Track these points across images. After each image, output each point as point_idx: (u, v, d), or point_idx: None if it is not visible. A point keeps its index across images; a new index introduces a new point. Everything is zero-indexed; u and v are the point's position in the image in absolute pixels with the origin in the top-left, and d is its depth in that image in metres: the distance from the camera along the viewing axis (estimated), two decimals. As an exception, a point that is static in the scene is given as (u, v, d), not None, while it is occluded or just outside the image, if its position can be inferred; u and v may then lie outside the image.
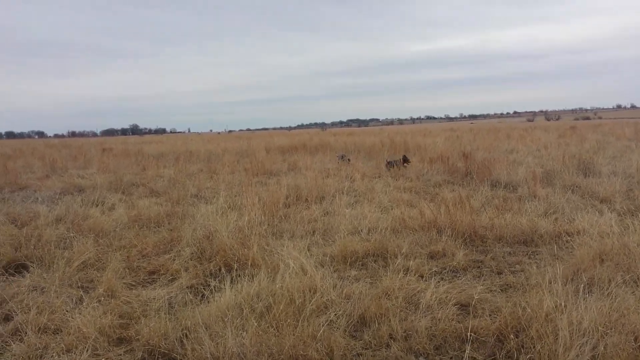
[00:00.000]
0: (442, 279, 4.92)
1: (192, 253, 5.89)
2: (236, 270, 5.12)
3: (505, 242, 6.24)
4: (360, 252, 5.78)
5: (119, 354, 3.67)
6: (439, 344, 3.69)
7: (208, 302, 4.44)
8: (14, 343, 3.80)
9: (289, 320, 3.75)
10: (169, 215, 8.19)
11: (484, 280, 4.98)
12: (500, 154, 16.16)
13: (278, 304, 4.02)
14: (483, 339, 3.70)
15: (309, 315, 3.85)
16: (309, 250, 5.89)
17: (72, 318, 4.04)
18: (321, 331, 3.62)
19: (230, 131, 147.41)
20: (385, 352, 3.60)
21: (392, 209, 8.16)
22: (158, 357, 3.61)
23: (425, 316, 4.01)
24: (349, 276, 5.13)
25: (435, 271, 5.17)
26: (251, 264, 5.32)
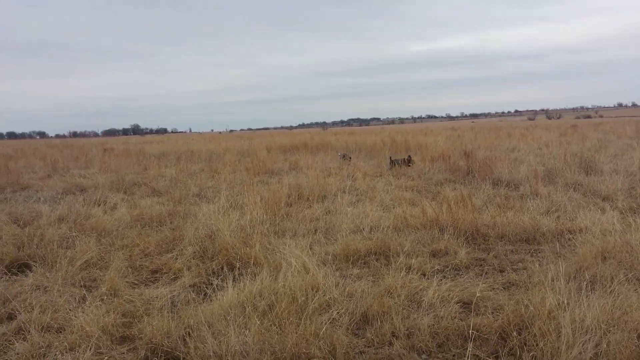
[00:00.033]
0: (444, 277, 4.92)
1: (195, 252, 5.90)
2: (238, 268, 5.13)
3: (507, 240, 6.23)
4: (362, 250, 5.79)
5: (122, 352, 3.68)
6: (442, 342, 3.69)
7: (211, 300, 4.44)
8: (17, 342, 3.81)
9: (291, 319, 3.75)
10: (171, 214, 8.20)
11: (487, 278, 4.98)
12: (501, 152, 16.14)
13: (280, 302, 4.03)
14: (486, 336, 3.70)
15: (311, 313, 3.86)
16: (311, 248, 5.90)
17: (75, 317, 4.05)
18: (324, 329, 3.63)
19: (231, 131, 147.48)
20: (388, 350, 3.60)
21: (394, 208, 8.16)
22: (161, 355, 3.61)
23: (427, 314, 4.01)
24: (351, 274, 5.13)
25: (437, 269, 5.17)
26: (253, 263, 5.33)
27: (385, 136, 27.24)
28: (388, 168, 13.77)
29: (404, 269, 4.89)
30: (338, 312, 4.03)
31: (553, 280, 4.05)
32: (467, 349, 3.40)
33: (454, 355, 3.53)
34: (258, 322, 3.71)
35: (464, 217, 6.54)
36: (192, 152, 22.63)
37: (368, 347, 3.67)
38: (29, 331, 3.90)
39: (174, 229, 7.07)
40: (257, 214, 7.32)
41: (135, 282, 5.18)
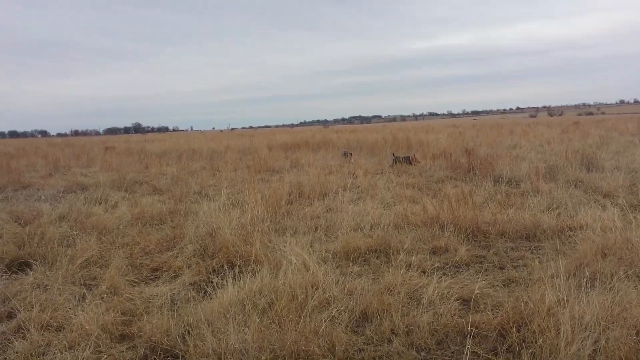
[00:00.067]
0: (444, 274, 4.91)
1: (195, 250, 5.90)
2: (239, 266, 5.13)
3: (507, 237, 6.22)
4: (362, 248, 5.78)
5: (121, 350, 3.68)
6: (441, 339, 3.69)
7: (210, 298, 4.44)
8: (16, 340, 3.81)
9: (291, 316, 3.75)
10: (172, 212, 8.21)
11: (486, 275, 4.98)
12: (503, 149, 16.12)
13: (280, 300, 4.03)
14: (485, 333, 3.69)
15: (311, 311, 3.86)
16: (311, 246, 5.90)
17: (75, 315, 4.05)
18: (323, 327, 3.63)
19: (232, 129, 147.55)
20: (387, 347, 3.60)
21: (394, 205, 8.16)
22: (160, 353, 3.61)
23: (427, 311, 4.01)
24: (351, 272, 5.13)
25: (437, 267, 5.16)
26: (254, 261, 5.33)
27: (387, 134, 27.22)
28: (390, 165, 13.77)
29: (404, 266, 4.89)
30: (338, 310, 4.03)
31: (553, 277, 4.04)
32: (466, 346, 3.40)
33: (453, 353, 3.53)
34: (258, 320, 3.71)
35: (465, 215, 6.53)
36: (194, 150, 22.65)
37: (367, 344, 3.67)
38: (29, 330, 3.90)
39: (174, 227, 7.08)
40: (258, 211, 7.31)
41: (136, 280, 5.18)
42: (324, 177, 10.77)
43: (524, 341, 3.42)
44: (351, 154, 16.15)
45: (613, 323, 3.38)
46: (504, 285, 4.67)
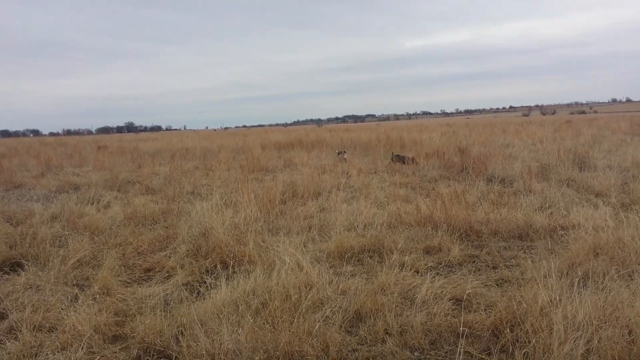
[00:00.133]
0: (437, 274, 4.92)
1: (188, 250, 5.88)
2: (232, 266, 5.12)
3: (500, 236, 6.25)
4: (356, 247, 5.78)
5: (114, 351, 3.66)
6: (434, 339, 3.70)
7: (204, 299, 4.43)
8: (8, 341, 3.79)
9: (284, 317, 3.75)
10: (165, 212, 8.18)
11: (480, 275, 4.99)
12: (496, 148, 16.17)
13: (274, 300, 4.03)
14: (478, 333, 3.70)
15: (304, 311, 3.85)
16: (305, 246, 5.90)
17: (67, 316, 4.02)
18: (317, 327, 3.62)
19: (226, 128, 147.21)
20: (381, 347, 3.60)
21: (388, 205, 8.16)
22: (153, 354, 3.60)
23: (420, 311, 4.01)
24: (345, 272, 5.13)
25: (431, 266, 5.16)
26: (247, 261, 5.33)
27: (380, 133, 27.25)
28: (388, 163, 13.80)
29: (398, 266, 4.89)
30: (331, 310, 4.03)
31: (545, 277, 4.06)
32: (459, 346, 3.40)
33: (446, 352, 3.53)
34: (251, 320, 3.70)
35: (458, 214, 6.55)
36: (187, 149, 22.58)
37: (361, 344, 3.67)
38: (21, 330, 3.88)
39: (167, 227, 7.05)
40: (251, 211, 7.31)
41: (128, 280, 5.16)
42: (318, 177, 10.77)
43: (517, 341, 3.44)
44: (345, 152, 16.17)
45: (605, 323, 3.41)
46: (497, 285, 4.68)
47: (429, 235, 6.20)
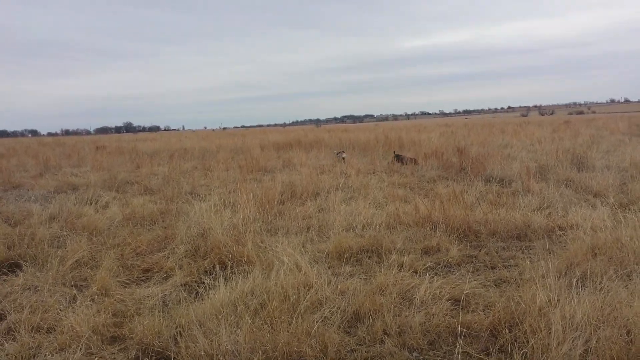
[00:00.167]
0: (436, 274, 4.92)
1: (186, 251, 5.87)
2: (230, 267, 5.12)
3: (499, 237, 6.25)
4: (354, 248, 5.78)
5: (112, 352, 3.66)
6: (433, 339, 3.70)
7: (202, 299, 4.43)
8: (7, 342, 3.78)
9: (283, 317, 3.75)
10: (163, 213, 8.17)
11: (478, 275, 4.99)
12: (494, 149, 16.18)
13: (272, 300, 4.02)
14: (477, 333, 3.71)
15: (303, 311, 3.85)
16: (303, 246, 5.90)
17: (66, 317, 4.02)
18: (315, 327, 3.62)
19: (224, 128, 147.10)
20: (379, 347, 3.60)
21: (386, 205, 8.16)
22: (152, 355, 3.59)
23: (419, 311, 4.01)
24: (344, 272, 5.12)
25: (429, 266, 5.17)
26: (246, 261, 5.32)
27: (379, 133, 27.24)
28: (389, 162, 13.81)
29: (396, 266, 4.89)
30: (330, 310, 4.03)
31: (544, 277, 4.06)
32: (457, 346, 3.41)
33: (445, 353, 3.53)
34: (250, 321, 3.70)
35: (456, 214, 6.55)
36: (185, 149, 22.57)
37: (359, 345, 3.67)
38: (19, 331, 3.88)
39: (165, 228, 7.04)
40: (250, 212, 7.30)
41: (127, 281, 5.15)
42: (316, 177, 10.77)
43: (516, 341, 3.44)
44: (343, 152, 16.18)
45: (604, 323, 3.41)
46: (495, 285, 4.69)
47: (428, 236, 6.20)
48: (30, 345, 3.71)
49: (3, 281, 5.14)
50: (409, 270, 4.92)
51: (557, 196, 8.00)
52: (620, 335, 3.25)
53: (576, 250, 5.02)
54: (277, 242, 5.82)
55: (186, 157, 19.32)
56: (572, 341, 3.17)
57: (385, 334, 3.76)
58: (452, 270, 5.19)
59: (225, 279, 4.64)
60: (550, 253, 5.31)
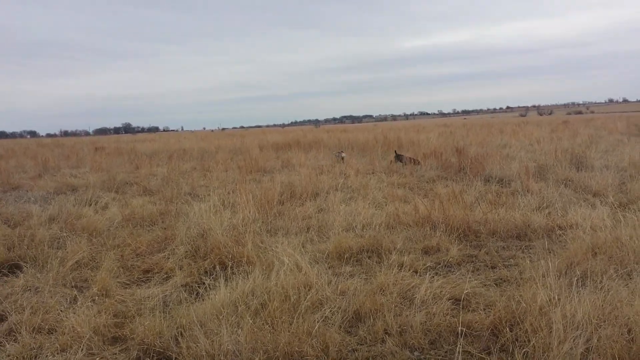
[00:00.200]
0: (436, 274, 4.93)
1: (187, 251, 5.87)
2: (231, 267, 5.11)
3: (498, 236, 6.26)
4: (354, 248, 5.78)
5: (113, 353, 3.66)
6: (434, 339, 3.70)
7: (203, 300, 4.43)
8: (8, 343, 3.79)
9: (284, 317, 3.75)
10: (163, 213, 8.17)
11: (478, 274, 5.00)
12: (493, 149, 16.20)
13: (273, 301, 4.02)
14: (478, 332, 3.71)
15: (304, 311, 3.85)
16: (303, 247, 5.90)
17: (67, 318, 4.02)
18: (316, 327, 3.63)
19: (223, 129, 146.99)
20: (380, 347, 3.61)
21: (386, 205, 8.17)
22: (153, 355, 3.59)
23: (419, 311, 4.02)
24: (344, 272, 5.13)
25: (429, 266, 5.17)
26: (246, 262, 5.32)
27: (378, 133, 27.25)
28: (389, 162, 13.82)
29: (396, 266, 4.89)
30: (331, 310, 4.03)
31: (544, 276, 4.06)
32: (459, 345, 3.41)
33: (446, 352, 3.54)
34: (250, 321, 3.70)
35: (456, 214, 6.56)
36: (184, 150, 22.55)
37: (360, 344, 3.67)
38: (20, 332, 3.87)
39: (165, 229, 7.04)
40: (249, 212, 7.30)
41: (127, 282, 5.16)
42: (316, 177, 10.77)
43: (517, 340, 3.45)
44: (342, 152, 16.20)
45: (604, 322, 3.41)
46: (495, 285, 4.69)
47: (427, 236, 6.21)
48: (31, 346, 3.71)
49: (3, 282, 5.14)
50: (409, 270, 4.93)
51: (556, 196, 8.01)
52: (621, 334, 3.26)
53: (576, 249, 5.02)
54: (277, 242, 5.82)
55: (185, 157, 19.31)
56: (573, 340, 3.17)
57: (386, 333, 3.76)
58: (453, 269, 5.19)
59: (226, 280, 4.64)
60: (550, 252, 5.32)
